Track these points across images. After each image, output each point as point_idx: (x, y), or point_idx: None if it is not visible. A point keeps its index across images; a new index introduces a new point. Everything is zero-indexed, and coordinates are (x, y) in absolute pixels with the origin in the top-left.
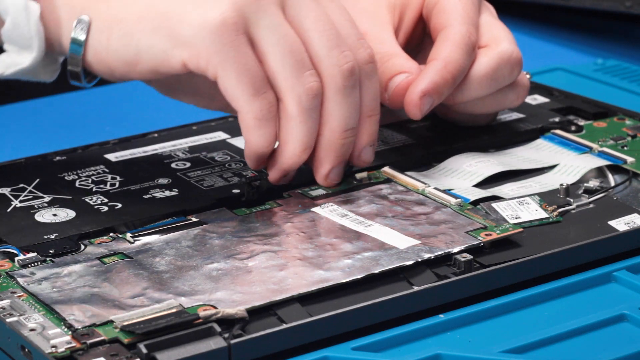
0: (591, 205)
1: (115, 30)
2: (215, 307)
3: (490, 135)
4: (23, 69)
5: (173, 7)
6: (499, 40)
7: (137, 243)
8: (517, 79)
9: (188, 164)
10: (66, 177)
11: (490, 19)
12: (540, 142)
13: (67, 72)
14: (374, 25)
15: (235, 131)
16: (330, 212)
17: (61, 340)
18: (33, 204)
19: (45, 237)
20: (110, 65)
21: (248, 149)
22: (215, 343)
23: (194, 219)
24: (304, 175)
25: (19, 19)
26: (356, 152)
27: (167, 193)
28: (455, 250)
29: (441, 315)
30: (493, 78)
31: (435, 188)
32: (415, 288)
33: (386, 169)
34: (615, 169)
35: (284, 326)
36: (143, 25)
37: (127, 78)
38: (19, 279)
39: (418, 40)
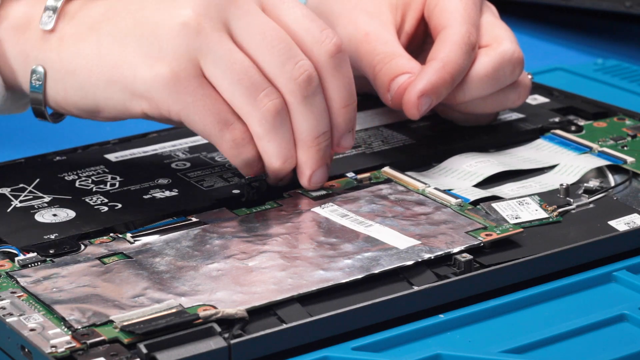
0: (591, 205)
1: (69, 82)
2: (215, 307)
3: (491, 135)
4: None
5: (121, 59)
6: (501, 40)
7: (137, 243)
8: (518, 78)
9: (188, 164)
10: (66, 177)
11: (491, 18)
12: (540, 142)
13: (32, 110)
14: (376, 25)
15: None
16: (330, 212)
17: (61, 340)
18: (33, 204)
19: (45, 237)
20: (74, 112)
21: (238, 168)
22: (215, 343)
23: (194, 219)
24: None
25: None
26: (335, 141)
27: (167, 193)
28: (456, 250)
29: (441, 315)
30: (494, 78)
31: (436, 188)
32: (415, 288)
33: (386, 169)
34: (615, 169)
35: (284, 326)
36: (95, 79)
37: (94, 119)
38: (19, 279)
39: (420, 40)
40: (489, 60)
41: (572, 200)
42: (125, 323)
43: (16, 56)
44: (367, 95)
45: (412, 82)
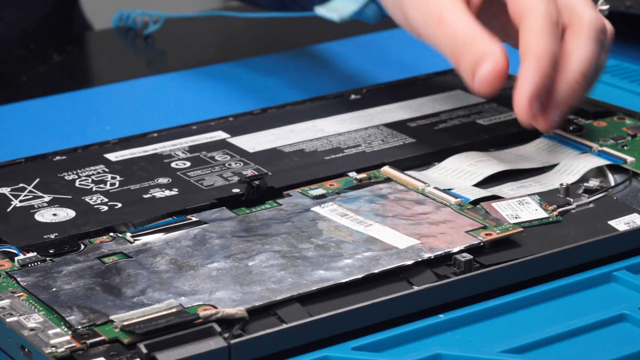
0: (591, 205)
1: None
2: (215, 307)
3: (491, 134)
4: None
5: None
6: (581, 14)
7: (137, 243)
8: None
9: (188, 164)
10: (66, 177)
11: None
12: (540, 141)
13: None
14: (446, 4)
15: (235, 131)
16: (330, 211)
17: (61, 340)
18: (33, 203)
19: (45, 236)
20: None
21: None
22: (215, 343)
23: (193, 219)
24: (303, 175)
25: None
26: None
27: (167, 193)
28: (455, 250)
29: (441, 315)
30: (597, 66)
31: (435, 187)
32: (415, 288)
33: (386, 168)
34: (615, 168)
35: (284, 326)
36: None
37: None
38: (19, 279)
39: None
40: (583, 54)
41: (572, 200)
42: (125, 323)
43: None
44: (365, 95)
45: (516, 91)
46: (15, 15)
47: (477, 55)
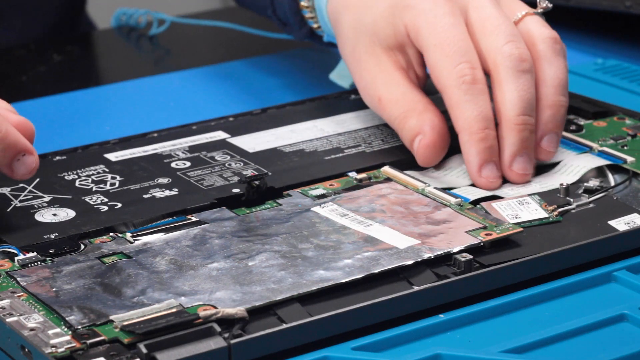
0: (591, 205)
1: None
2: (215, 307)
3: None
4: None
5: None
6: (494, 58)
7: (137, 243)
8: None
9: (188, 164)
10: (66, 177)
11: (478, 24)
12: None
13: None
14: (384, 85)
15: (235, 131)
16: (330, 211)
17: (61, 340)
18: (33, 203)
19: (45, 236)
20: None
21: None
22: (215, 343)
23: (193, 219)
24: (303, 175)
25: None
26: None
27: (167, 193)
28: (455, 250)
29: (441, 315)
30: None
31: (435, 187)
32: (415, 288)
33: (386, 168)
34: (615, 168)
35: (284, 326)
36: None
37: None
38: (19, 279)
39: None
40: (509, 97)
41: (572, 200)
42: (125, 323)
43: None
44: None
45: (466, 166)
46: (22, 24)
47: (410, 133)
